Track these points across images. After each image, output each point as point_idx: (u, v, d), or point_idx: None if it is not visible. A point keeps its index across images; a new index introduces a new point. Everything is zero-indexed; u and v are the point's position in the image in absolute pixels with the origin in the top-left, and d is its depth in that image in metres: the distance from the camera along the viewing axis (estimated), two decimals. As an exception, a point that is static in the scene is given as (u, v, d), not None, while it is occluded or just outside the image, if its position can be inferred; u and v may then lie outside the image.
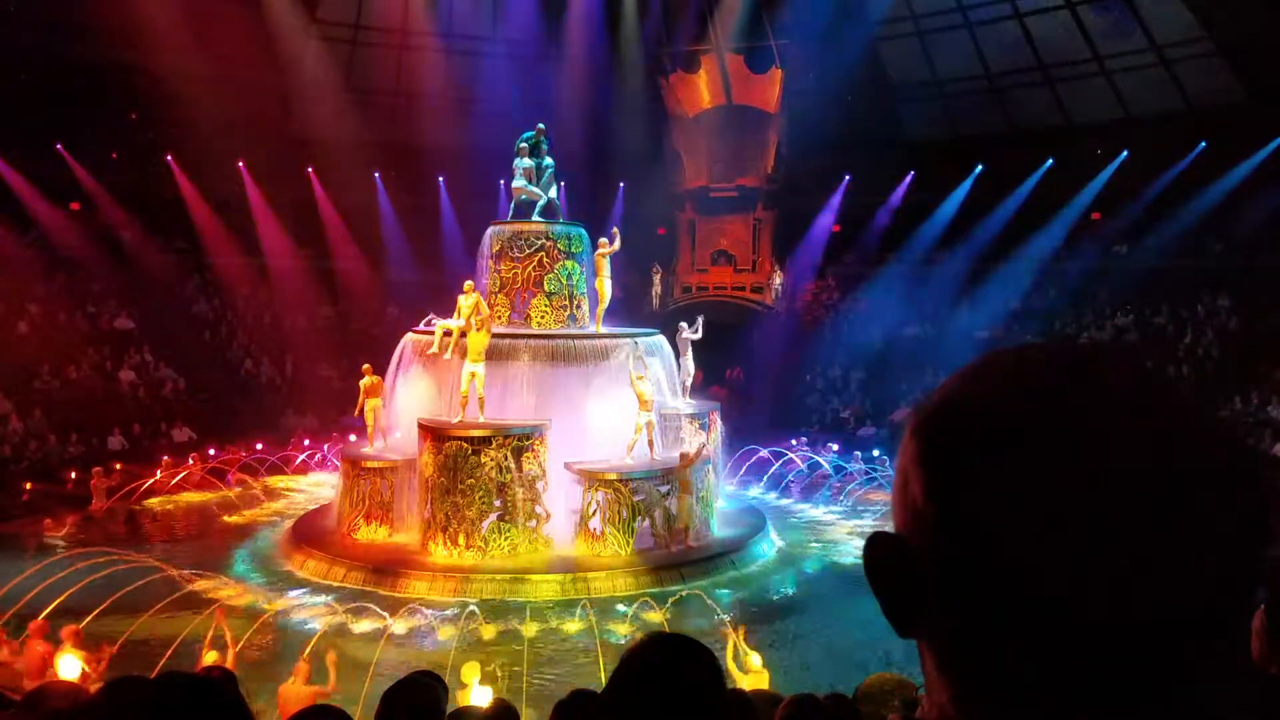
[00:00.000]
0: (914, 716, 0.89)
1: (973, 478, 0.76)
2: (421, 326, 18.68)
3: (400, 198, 31.36)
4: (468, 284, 17.14)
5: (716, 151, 31.69)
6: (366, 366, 18.50)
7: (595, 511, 15.74)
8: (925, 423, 0.82)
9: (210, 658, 9.63)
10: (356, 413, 18.56)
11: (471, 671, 9.22)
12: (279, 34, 28.71)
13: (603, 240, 18.50)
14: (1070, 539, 0.72)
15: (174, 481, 20.77)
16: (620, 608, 13.67)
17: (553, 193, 19.52)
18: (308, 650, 10.12)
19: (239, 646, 10.34)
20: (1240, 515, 0.75)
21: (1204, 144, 25.55)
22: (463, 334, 16.61)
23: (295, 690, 9.32)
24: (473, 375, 16.07)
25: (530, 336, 17.39)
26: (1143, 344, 25.04)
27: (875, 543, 0.86)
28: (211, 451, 22.41)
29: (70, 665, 9.19)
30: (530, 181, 19.19)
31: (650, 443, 16.66)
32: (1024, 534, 0.73)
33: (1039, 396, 0.76)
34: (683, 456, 16.36)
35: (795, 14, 28.76)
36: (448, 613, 13.52)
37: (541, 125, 19.65)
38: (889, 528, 0.86)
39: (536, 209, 19.17)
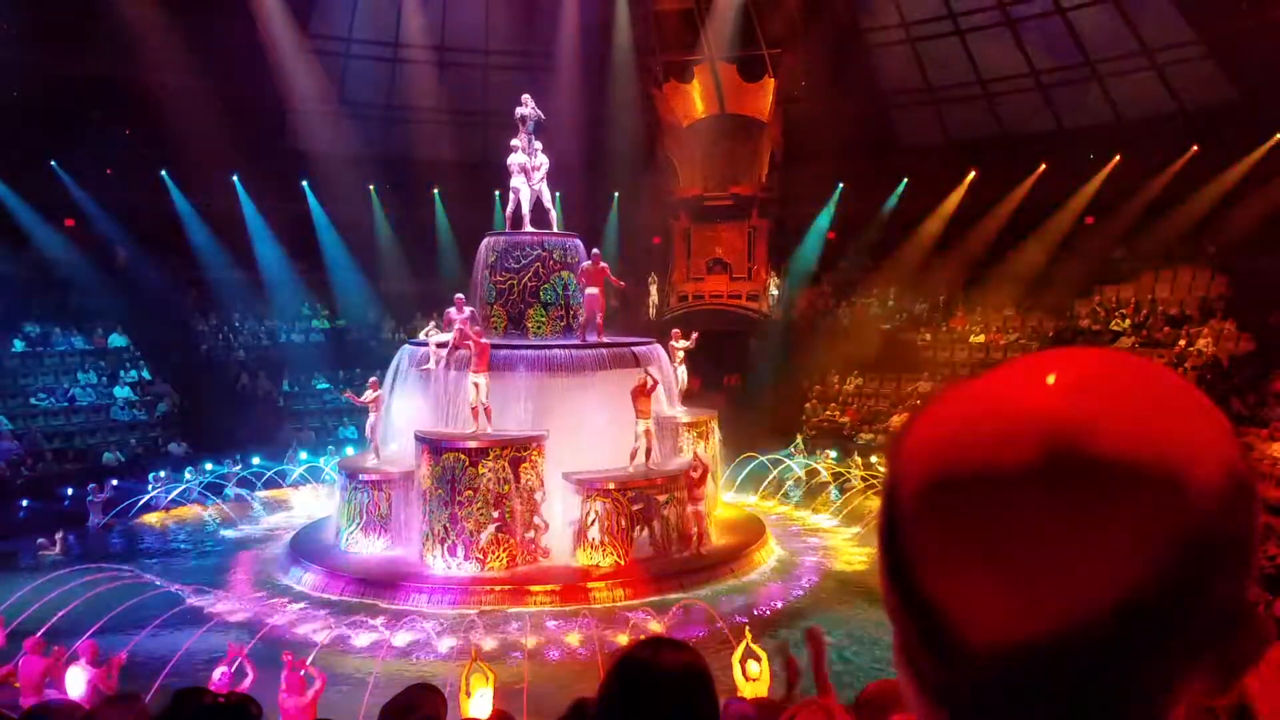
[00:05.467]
0: None
1: (903, 485, 0.77)
2: (420, 338, 18.71)
3: (395, 210, 31.37)
4: (458, 298, 17.22)
5: (710, 160, 31.70)
6: (374, 380, 18.54)
7: (594, 521, 15.71)
8: (903, 424, 0.83)
9: (220, 672, 9.56)
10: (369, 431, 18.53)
11: (476, 683, 9.18)
12: (272, 48, 28.74)
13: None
14: (974, 555, 0.72)
15: (170, 497, 20.73)
16: (620, 617, 13.64)
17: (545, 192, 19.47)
18: (309, 663, 10.07)
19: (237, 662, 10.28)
20: (1173, 520, 0.70)
21: (1196, 146, 25.61)
22: (454, 347, 16.68)
23: (295, 702, 9.29)
24: (475, 386, 16.09)
25: (527, 347, 17.39)
26: (1139, 347, 25.07)
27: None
28: (208, 466, 22.36)
29: (77, 679, 9.16)
30: (527, 179, 19.21)
31: (648, 451, 16.65)
32: (933, 546, 0.74)
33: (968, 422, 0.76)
34: (697, 463, 16.40)
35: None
36: (447, 625, 13.49)
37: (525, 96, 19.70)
38: None
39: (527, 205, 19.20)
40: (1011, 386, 0.76)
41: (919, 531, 0.75)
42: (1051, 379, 0.75)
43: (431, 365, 17.14)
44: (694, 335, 19.93)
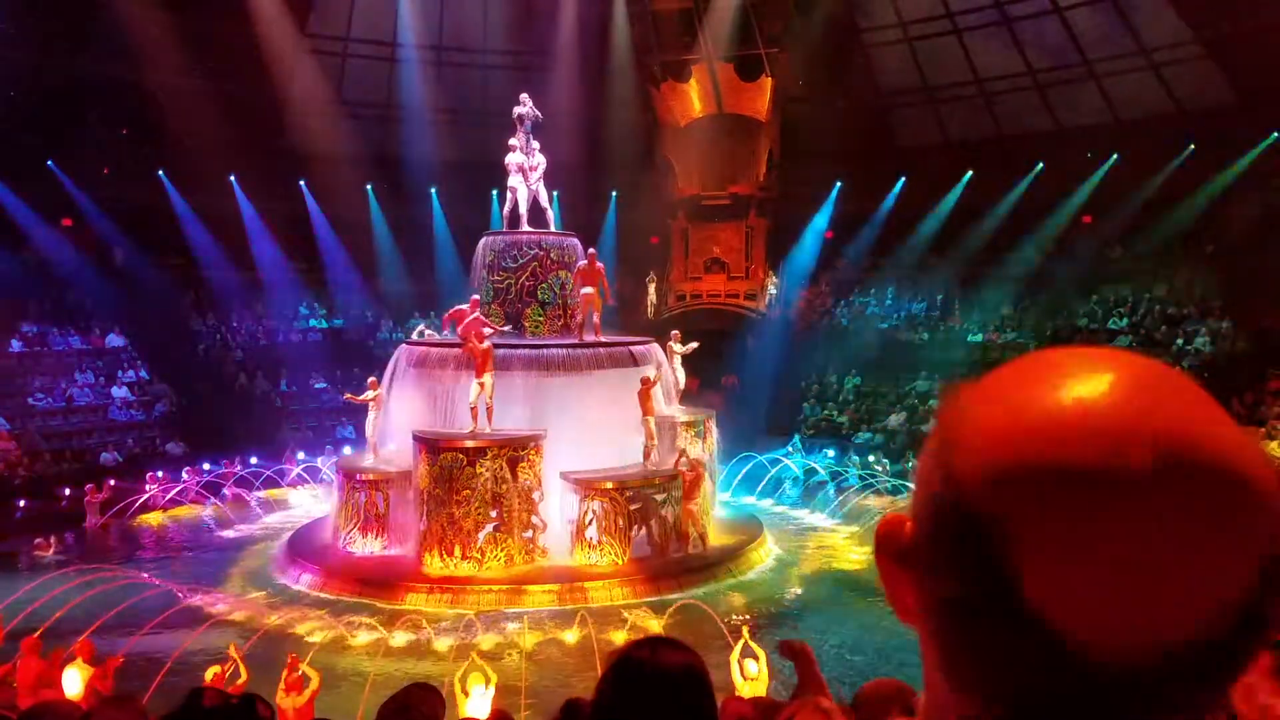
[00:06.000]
0: None
1: (994, 486, 0.74)
2: (414, 338, 18.69)
3: (392, 210, 31.37)
4: (474, 299, 17.22)
5: (708, 160, 31.71)
6: (373, 379, 18.53)
7: (591, 521, 15.71)
8: (956, 420, 0.79)
9: (213, 672, 9.56)
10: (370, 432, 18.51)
11: (474, 682, 9.20)
12: (270, 48, 28.71)
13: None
14: (1090, 571, 0.69)
15: (168, 497, 20.72)
16: (618, 617, 13.64)
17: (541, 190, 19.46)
18: (306, 662, 10.06)
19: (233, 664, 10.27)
20: (1265, 523, 0.71)
21: (1193, 146, 25.64)
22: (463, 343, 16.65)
23: (293, 701, 9.29)
24: (480, 386, 16.07)
25: (524, 346, 17.38)
26: (1136, 347, 25.10)
27: (886, 521, 0.86)
28: (206, 466, 22.35)
29: (73, 680, 9.15)
30: (525, 178, 19.21)
31: (648, 450, 16.68)
32: (1039, 555, 0.71)
33: (1066, 413, 0.74)
34: (693, 463, 16.40)
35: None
36: (445, 624, 13.49)
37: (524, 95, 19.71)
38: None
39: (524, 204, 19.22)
40: (1089, 388, 0.74)
41: (1024, 543, 0.71)
42: (1110, 379, 0.74)
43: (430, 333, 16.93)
44: (692, 345, 19.94)
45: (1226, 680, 0.73)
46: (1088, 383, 0.75)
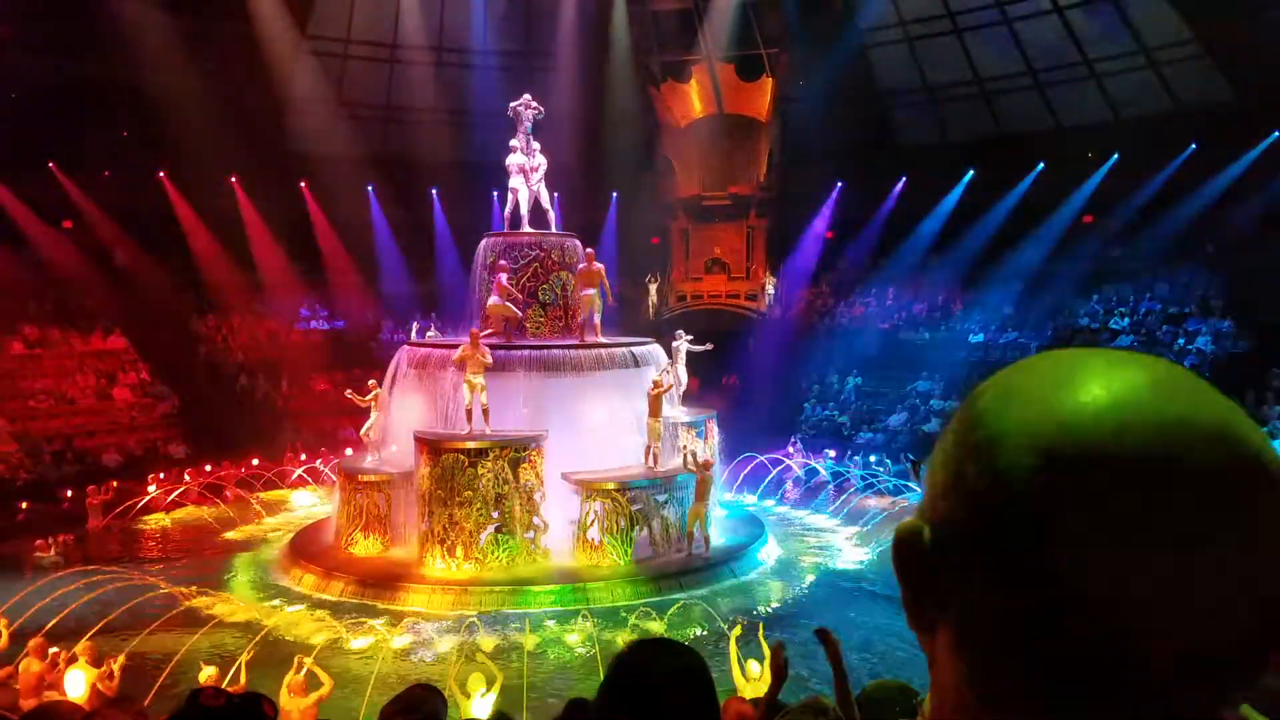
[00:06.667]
0: None
1: (1049, 481, 0.72)
2: (415, 339, 18.70)
3: (393, 211, 31.37)
4: (501, 263, 17.27)
5: (709, 160, 31.74)
6: (372, 382, 18.56)
7: (593, 521, 15.71)
8: (992, 419, 0.78)
9: (207, 674, 9.56)
10: (363, 432, 18.59)
11: (476, 683, 9.21)
12: (270, 50, 28.73)
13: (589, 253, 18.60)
14: (1153, 560, 0.69)
15: (170, 498, 20.73)
16: (620, 617, 13.64)
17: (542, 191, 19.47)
18: (308, 662, 10.07)
19: (240, 662, 10.28)
20: None
21: (1194, 145, 25.63)
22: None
23: (297, 703, 9.29)
24: (472, 386, 16.06)
25: (526, 347, 17.38)
26: (1137, 346, 25.08)
27: (902, 530, 0.84)
28: (207, 467, 22.36)
29: (76, 681, 9.16)
30: (525, 179, 19.22)
31: (650, 451, 16.69)
32: (1102, 550, 0.70)
33: (1130, 409, 0.73)
34: (706, 463, 16.40)
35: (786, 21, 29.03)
36: (446, 625, 13.49)
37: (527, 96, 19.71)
38: (887, 532, 0.86)
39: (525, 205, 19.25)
40: (1128, 385, 0.75)
41: (1086, 538, 0.70)
42: (1145, 378, 0.75)
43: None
44: (708, 345, 19.96)
45: (1264, 664, 0.74)
46: (1125, 380, 0.75)
